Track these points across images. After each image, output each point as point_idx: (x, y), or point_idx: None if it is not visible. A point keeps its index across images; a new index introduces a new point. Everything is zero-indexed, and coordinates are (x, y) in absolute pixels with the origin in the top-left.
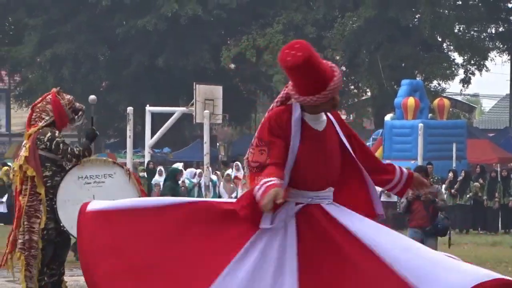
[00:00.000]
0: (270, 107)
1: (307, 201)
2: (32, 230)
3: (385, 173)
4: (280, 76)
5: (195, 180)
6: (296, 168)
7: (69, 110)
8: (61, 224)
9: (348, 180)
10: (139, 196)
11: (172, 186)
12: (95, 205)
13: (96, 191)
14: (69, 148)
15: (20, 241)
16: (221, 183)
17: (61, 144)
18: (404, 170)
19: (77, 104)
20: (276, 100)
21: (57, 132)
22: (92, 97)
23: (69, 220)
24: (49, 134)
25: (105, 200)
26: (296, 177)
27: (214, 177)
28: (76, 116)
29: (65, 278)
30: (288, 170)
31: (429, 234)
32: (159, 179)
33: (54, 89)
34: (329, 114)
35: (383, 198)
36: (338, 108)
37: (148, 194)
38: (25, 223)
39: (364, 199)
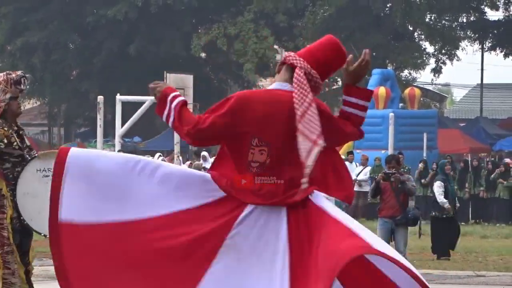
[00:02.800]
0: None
1: None
2: (2, 226)
3: None
4: (251, 64)
5: None
6: None
7: (12, 88)
8: (21, 218)
9: None
10: None
11: None
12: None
13: None
14: None
15: None
16: None
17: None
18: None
19: (14, 75)
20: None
21: None
22: None
23: (28, 213)
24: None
25: None
26: None
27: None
28: (22, 86)
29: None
30: None
31: (400, 224)
32: None
33: None
34: None
35: (355, 188)
36: None
37: None
38: None
39: None
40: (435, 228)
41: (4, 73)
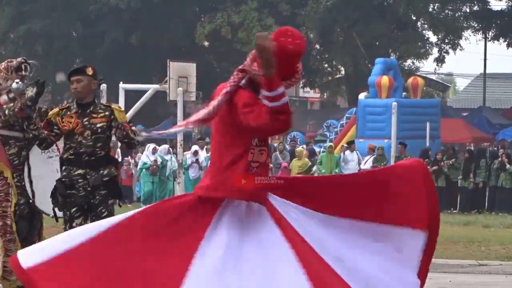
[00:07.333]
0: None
1: None
2: (5, 214)
3: None
4: None
5: (167, 157)
6: None
7: (13, 75)
8: (30, 201)
9: None
10: None
11: None
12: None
13: (58, 164)
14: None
15: None
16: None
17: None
18: None
19: (14, 62)
20: (231, 85)
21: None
22: (60, 75)
23: (38, 196)
24: (6, 110)
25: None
26: None
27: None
28: (23, 72)
29: None
30: None
31: None
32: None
33: None
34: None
35: None
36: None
37: None
38: None
39: None
40: None
41: (5, 61)
